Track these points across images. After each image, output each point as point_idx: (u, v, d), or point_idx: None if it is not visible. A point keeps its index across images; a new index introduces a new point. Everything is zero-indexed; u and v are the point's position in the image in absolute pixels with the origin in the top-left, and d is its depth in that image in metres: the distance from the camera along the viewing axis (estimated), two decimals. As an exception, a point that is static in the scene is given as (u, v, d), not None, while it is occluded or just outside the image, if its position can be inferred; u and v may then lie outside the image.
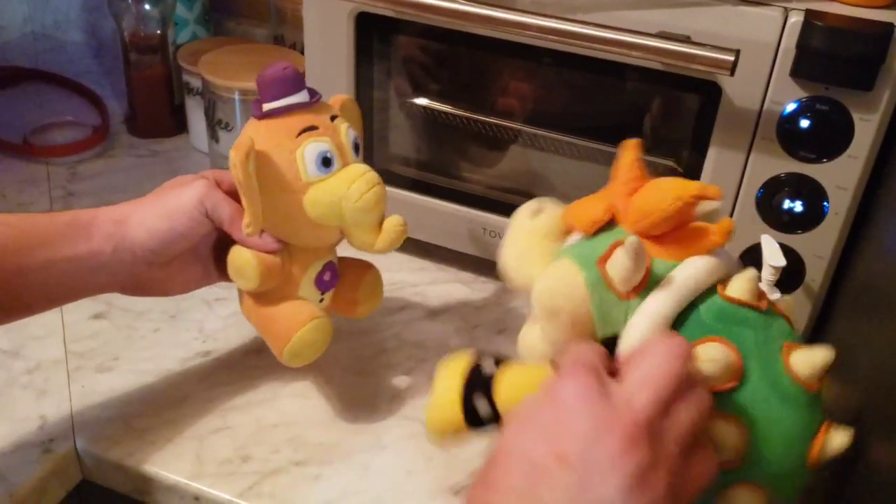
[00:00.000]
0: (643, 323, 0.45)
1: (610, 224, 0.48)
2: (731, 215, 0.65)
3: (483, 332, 0.74)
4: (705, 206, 0.45)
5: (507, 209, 0.75)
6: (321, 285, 0.62)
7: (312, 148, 0.56)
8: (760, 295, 0.47)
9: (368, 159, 0.78)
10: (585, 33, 0.59)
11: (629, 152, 0.49)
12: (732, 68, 0.56)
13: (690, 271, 0.45)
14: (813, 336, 0.67)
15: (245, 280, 0.58)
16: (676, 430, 0.40)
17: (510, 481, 0.39)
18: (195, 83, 0.92)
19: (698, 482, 0.40)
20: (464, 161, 0.79)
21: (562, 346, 0.49)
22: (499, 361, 0.50)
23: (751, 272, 0.46)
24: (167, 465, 0.59)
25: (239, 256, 0.58)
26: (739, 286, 0.46)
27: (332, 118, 0.58)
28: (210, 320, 0.72)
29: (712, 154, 0.64)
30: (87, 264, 0.57)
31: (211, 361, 0.68)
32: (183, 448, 0.60)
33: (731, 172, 0.63)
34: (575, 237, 0.50)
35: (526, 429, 0.41)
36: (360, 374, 0.68)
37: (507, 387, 0.49)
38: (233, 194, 0.58)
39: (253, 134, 0.56)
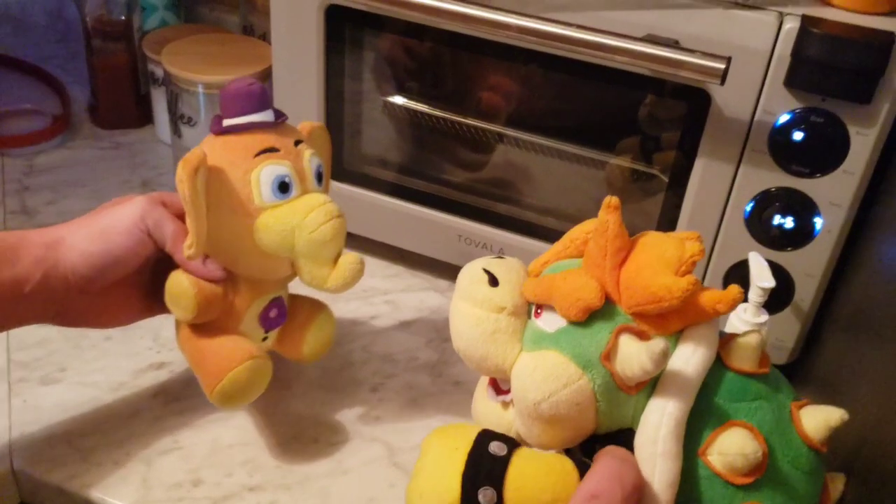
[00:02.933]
0: (666, 423, 0.40)
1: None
2: (719, 230, 0.61)
3: (456, 345, 0.70)
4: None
5: (484, 216, 0.72)
6: (266, 322, 0.58)
7: (270, 170, 0.52)
8: (763, 359, 0.43)
9: (338, 159, 0.74)
10: (567, 35, 0.55)
11: (613, 216, 0.43)
12: (723, 76, 0.53)
13: (700, 358, 0.41)
14: (801, 357, 0.64)
15: (181, 309, 0.54)
16: None
17: None
18: (159, 73, 0.87)
19: None
20: (440, 164, 0.75)
21: (560, 446, 0.45)
22: (509, 440, 0.43)
23: (755, 336, 0.42)
24: (112, 489, 0.55)
25: (177, 283, 0.54)
26: (747, 355, 0.42)
27: (297, 143, 0.54)
28: (167, 328, 0.68)
29: (700, 165, 0.60)
30: (10, 293, 0.51)
31: (165, 374, 0.64)
32: (129, 470, 0.56)
33: (720, 185, 0.60)
34: (552, 317, 0.43)
35: None
36: (323, 390, 0.64)
37: (524, 480, 0.41)
38: (180, 217, 0.54)
39: (208, 149, 0.52)
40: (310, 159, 0.54)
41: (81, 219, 0.55)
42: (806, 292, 0.61)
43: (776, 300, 0.61)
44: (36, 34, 1.14)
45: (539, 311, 0.44)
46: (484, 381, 0.49)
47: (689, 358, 0.41)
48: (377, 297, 0.75)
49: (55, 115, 0.93)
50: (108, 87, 0.93)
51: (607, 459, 0.41)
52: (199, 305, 0.53)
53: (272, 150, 0.52)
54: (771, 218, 0.59)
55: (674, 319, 0.42)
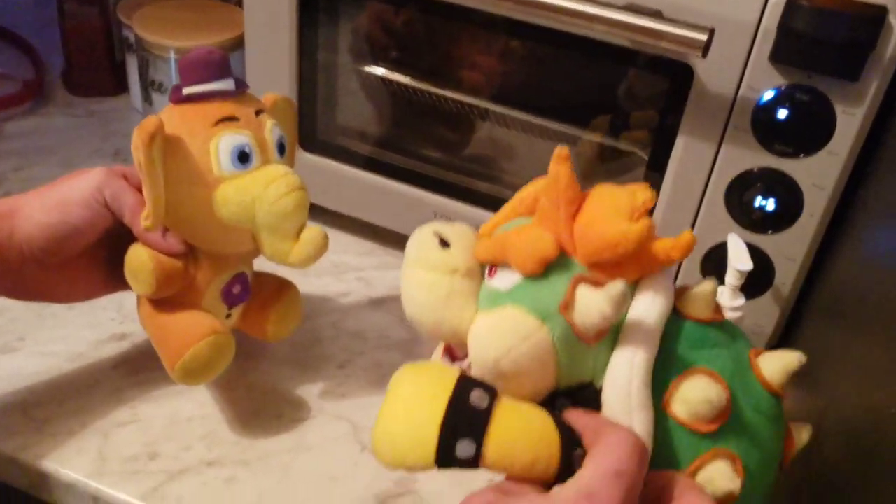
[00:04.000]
0: (636, 374, 0.39)
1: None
2: (698, 211, 0.60)
3: (428, 324, 0.68)
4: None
5: (461, 193, 0.70)
6: (228, 299, 0.56)
7: (229, 139, 0.50)
8: (716, 307, 0.43)
9: (312, 129, 0.72)
10: (544, 1, 0.53)
11: (564, 167, 0.42)
12: (705, 49, 0.51)
13: (660, 307, 0.40)
14: (779, 344, 0.63)
15: (140, 284, 0.53)
16: None
17: None
18: (133, 39, 0.85)
19: None
20: (418, 138, 0.73)
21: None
22: (489, 389, 0.40)
23: (710, 285, 0.42)
24: (66, 460, 0.53)
25: (136, 257, 0.52)
26: (702, 303, 0.41)
27: (258, 112, 0.52)
28: (131, 298, 0.65)
29: (680, 143, 0.58)
30: None
31: (127, 346, 0.62)
32: (85, 442, 0.55)
33: (700, 164, 0.58)
34: (507, 275, 0.42)
35: None
36: (289, 365, 0.63)
37: (506, 436, 0.38)
38: (141, 190, 0.52)
39: (166, 118, 0.50)
40: (271, 129, 0.52)
41: (39, 189, 0.53)
42: (786, 277, 0.59)
43: (755, 284, 0.59)
44: (10, -1, 1.11)
45: (493, 271, 0.43)
46: (438, 352, 0.48)
47: (649, 306, 0.41)
48: (349, 273, 0.73)
49: (26, 80, 0.91)
50: (80, 53, 0.90)
51: (618, 438, 0.38)
52: (158, 280, 0.52)
53: (232, 118, 0.51)
54: (752, 199, 0.57)
55: (630, 268, 0.41)
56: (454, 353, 0.47)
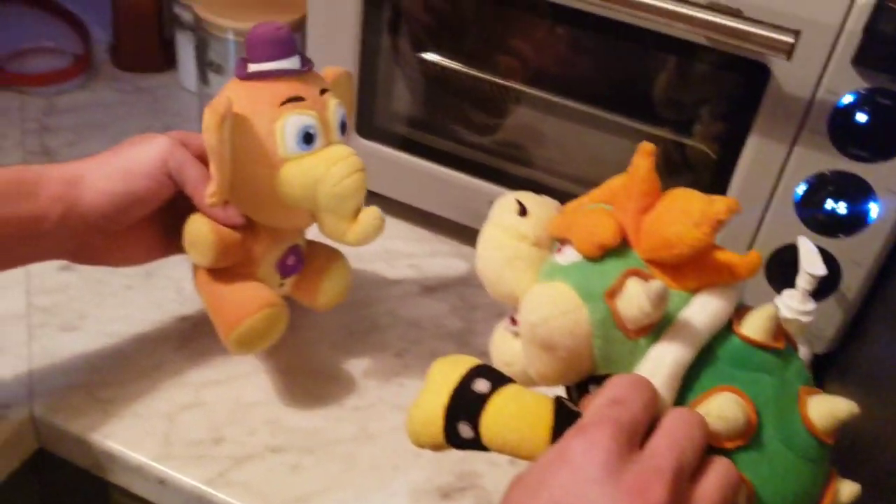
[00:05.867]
0: (661, 373, 0.39)
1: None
2: (766, 211, 0.59)
3: (481, 315, 0.68)
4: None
5: (515, 182, 0.70)
6: (283, 269, 0.57)
7: (295, 121, 0.50)
8: (778, 333, 0.42)
9: (370, 116, 0.72)
10: (627, -2, 0.53)
11: (645, 161, 0.42)
12: (790, 51, 0.50)
13: (710, 315, 0.40)
14: (841, 349, 0.62)
15: (199, 254, 0.53)
16: None
17: None
18: (187, 17, 0.84)
19: None
20: (473, 127, 0.73)
21: (557, 379, 0.44)
22: (496, 378, 0.44)
23: (770, 309, 0.41)
24: (133, 443, 0.54)
25: (195, 228, 0.52)
26: (759, 325, 0.41)
27: (322, 91, 0.52)
28: (190, 280, 0.66)
29: (752, 142, 0.58)
30: (29, 229, 0.50)
31: (188, 327, 0.63)
32: (151, 424, 0.55)
33: (771, 164, 0.58)
34: (570, 253, 0.43)
35: (535, 499, 0.35)
36: (349, 353, 0.63)
37: (496, 419, 0.42)
38: (201, 158, 0.52)
39: (233, 95, 0.50)
40: (335, 110, 0.52)
41: (101, 156, 0.53)
42: (852, 281, 0.59)
43: (820, 287, 0.59)
44: (57, -31, 1.11)
45: (561, 247, 0.44)
46: (506, 317, 0.49)
47: (698, 313, 0.40)
48: (401, 259, 0.73)
49: (76, 54, 0.90)
50: (130, 29, 0.90)
51: (621, 375, 0.40)
52: (216, 251, 0.52)
53: (298, 98, 0.51)
54: (823, 202, 0.57)
55: (690, 275, 0.41)
56: (515, 319, 0.48)
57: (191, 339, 0.62)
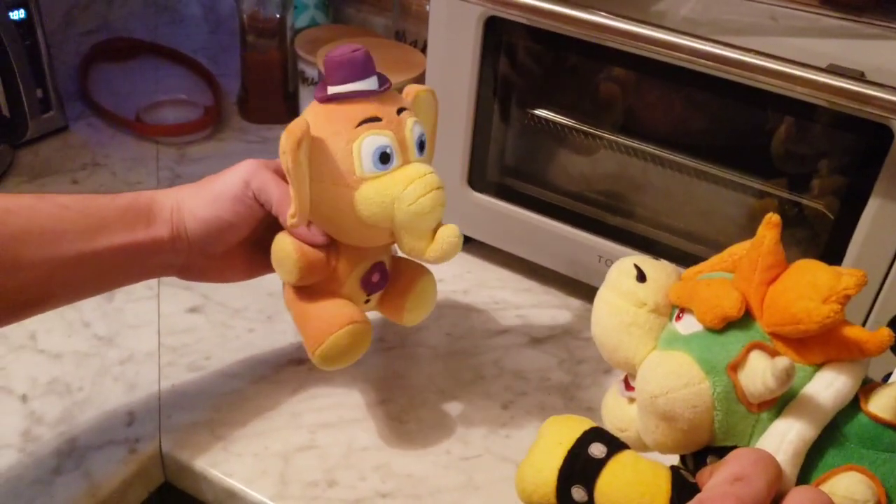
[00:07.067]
0: (785, 449, 0.39)
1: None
2: (887, 275, 0.57)
3: (588, 369, 0.68)
4: None
5: (623, 236, 0.71)
6: (367, 286, 0.58)
7: (371, 141, 0.51)
8: None
9: (482, 170, 0.74)
10: (744, 61, 0.53)
11: (771, 232, 0.41)
12: (915, 115, 0.49)
13: (836, 392, 0.39)
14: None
15: (284, 272, 0.55)
16: None
17: None
18: (310, 72, 0.89)
19: None
20: (585, 181, 0.74)
21: (675, 448, 0.44)
22: (612, 443, 0.43)
23: None
24: (251, 481, 0.57)
25: (281, 247, 0.55)
26: (889, 403, 0.39)
27: (400, 110, 0.53)
28: (305, 325, 0.70)
29: (873, 205, 0.56)
30: (146, 251, 0.54)
31: (305, 371, 0.65)
32: (268, 464, 0.58)
33: (893, 226, 0.56)
34: (691, 321, 0.43)
35: None
36: (455, 401, 0.64)
37: (613, 486, 0.41)
38: (285, 179, 0.54)
39: (311, 118, 0.52)
40: (412, 129, 0.53)
41: (198, 183, 0.57)
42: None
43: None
44: (191, 26, 1.19)
45: (681, 315, 0.44)
46: (619, 381, 0.49)
47: (824, 389, 0.39)
48: (509, 310, 0.74)
49: (206, 106, 0.97)
50: (258, 83, 0.95)
51: (744, 450, 0.39)
52: (301, 269, 0.54)
53: (374, 119, 0.52)
54: (949, 268, 0.55)
55: (815, 350, 0.40)
56: (629, 383, 0.48)
57: (305, 382, 0.64)
